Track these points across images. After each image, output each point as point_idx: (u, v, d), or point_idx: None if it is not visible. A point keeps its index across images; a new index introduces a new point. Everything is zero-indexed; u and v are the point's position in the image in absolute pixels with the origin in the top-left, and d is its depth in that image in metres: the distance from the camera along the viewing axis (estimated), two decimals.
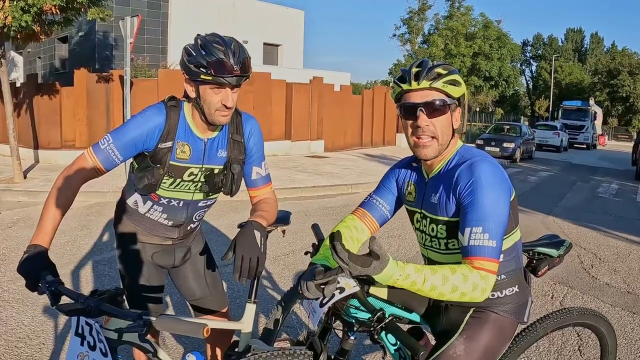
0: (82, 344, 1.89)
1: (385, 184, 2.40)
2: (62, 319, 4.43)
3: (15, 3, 9.72)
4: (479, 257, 1.85)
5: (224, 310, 2.90)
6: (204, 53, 2.18)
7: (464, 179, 1.96)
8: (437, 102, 2.01)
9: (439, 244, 2.15)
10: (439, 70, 2.01)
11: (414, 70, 2.04)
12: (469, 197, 1.92)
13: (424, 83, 2.00)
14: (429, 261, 2.27)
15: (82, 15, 11.77)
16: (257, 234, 2.18)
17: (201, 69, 2.18)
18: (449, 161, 2.11)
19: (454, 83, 2.03)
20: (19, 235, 7.20)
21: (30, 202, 9.69)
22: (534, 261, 2.58)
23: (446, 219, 2.07)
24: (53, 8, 10.11)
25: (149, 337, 2.01)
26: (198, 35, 2.28)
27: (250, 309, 2.40)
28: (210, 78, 2.18)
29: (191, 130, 2.40)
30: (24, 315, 4.55)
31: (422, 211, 2.19)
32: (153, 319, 1.78)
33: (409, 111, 2.06)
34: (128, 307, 2.39)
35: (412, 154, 2.19)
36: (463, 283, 1.79)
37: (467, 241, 1.88)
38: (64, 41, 28.86)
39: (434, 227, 2.13)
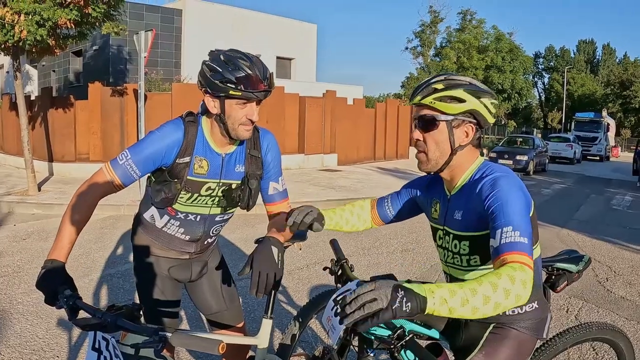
0: (98, 359, 1.89)
1: (400, 194, 2.50)
2: (76, 332, 4.43)
3: (30, 17, 9.82)
4: (512, 252, 1.71)
5: (240, 325, 2.88)
6: (230, 69, 2.18)
7: (488, 189, 1.93)
8: (426, 118, 2.06)
9: (461, 260, 2.14)
10: (437, 85, 2.03)
11: (420, 84, 2.09)
12: (495, 202, 1.87)
13: (417, 98, 2.05)
14: (451, 278, 2.26)
15: (96, 30, 11.87)
16: (275, 250, 2.18)
17: (229, 84, 2.18)
18: (471, 177, 2.10)
19: (450, 100, 2.00)
20: (33, 248, 7.23)
21: (44, 214, 9.75)
22: (553, 277, 2.56)
23: (470, 234, 2.06)
24: (68, 22, 10.20)
25: (164, 352, 2.01)
26: (213, 51, 2.28)
27: (267, 324, 2.39)
28: (240, 93, 2.19)
29: (209, 145, 2.41)
30: (38, 327, 4.56)
31: (445, 228, 2.20)
32: (169, 334, 1.78)
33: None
34: (144, 322, 2.39)
35: None
36: (494, 291, 1.54)
37: (498, 242, 1.77)
38: (79, 55, 29.13)
39: (457, 243, 2.13)
